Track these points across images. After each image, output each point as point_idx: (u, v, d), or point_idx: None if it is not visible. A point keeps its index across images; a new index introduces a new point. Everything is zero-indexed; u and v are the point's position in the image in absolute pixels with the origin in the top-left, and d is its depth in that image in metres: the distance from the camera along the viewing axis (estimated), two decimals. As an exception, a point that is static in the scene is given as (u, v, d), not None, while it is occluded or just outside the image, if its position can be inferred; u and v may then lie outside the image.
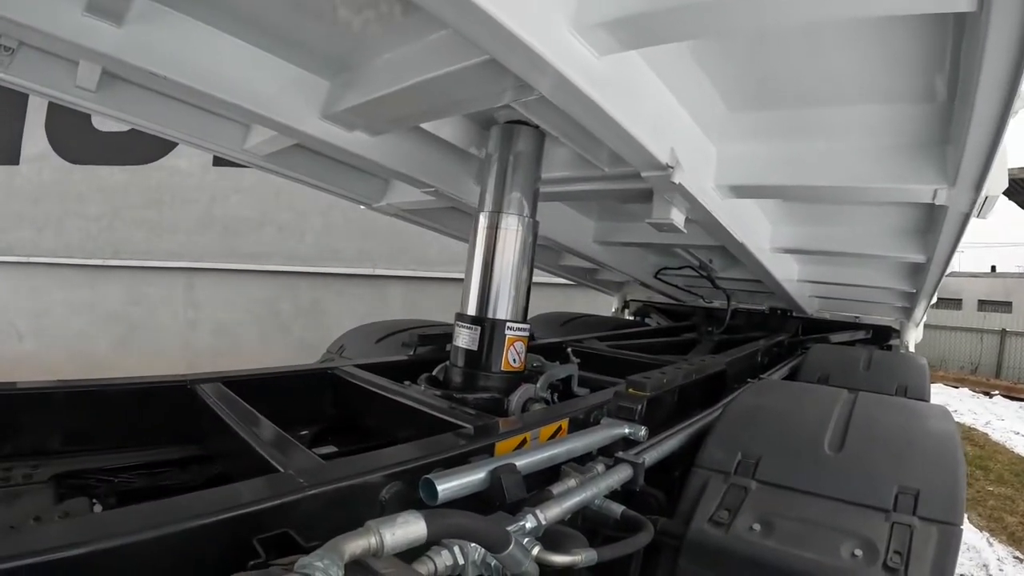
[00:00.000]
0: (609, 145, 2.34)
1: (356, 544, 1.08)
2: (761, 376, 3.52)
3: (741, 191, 2.98)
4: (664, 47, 2.06)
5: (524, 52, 1.63)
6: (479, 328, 2.82)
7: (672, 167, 2.41)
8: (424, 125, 3.02)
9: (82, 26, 2.04)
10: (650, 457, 2.16)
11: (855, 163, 2.62)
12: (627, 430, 2.24)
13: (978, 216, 2.67)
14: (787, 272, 4.46)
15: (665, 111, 2.42)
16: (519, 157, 2.95)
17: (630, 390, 2.44)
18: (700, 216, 3.02)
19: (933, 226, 3.10)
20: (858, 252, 3.76)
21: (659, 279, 5.65)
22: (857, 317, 5.54)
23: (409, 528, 1.14)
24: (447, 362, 2.96)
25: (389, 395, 2.57)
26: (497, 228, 2.91)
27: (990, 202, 2.56)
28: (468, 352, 2.83)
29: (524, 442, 2.02)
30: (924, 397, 3.70)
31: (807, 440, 2.26)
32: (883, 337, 5.47)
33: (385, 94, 2.35)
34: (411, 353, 3.45)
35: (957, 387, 17.95)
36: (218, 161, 10.46)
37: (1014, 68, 1.62)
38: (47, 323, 10.63)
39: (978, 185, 2.35)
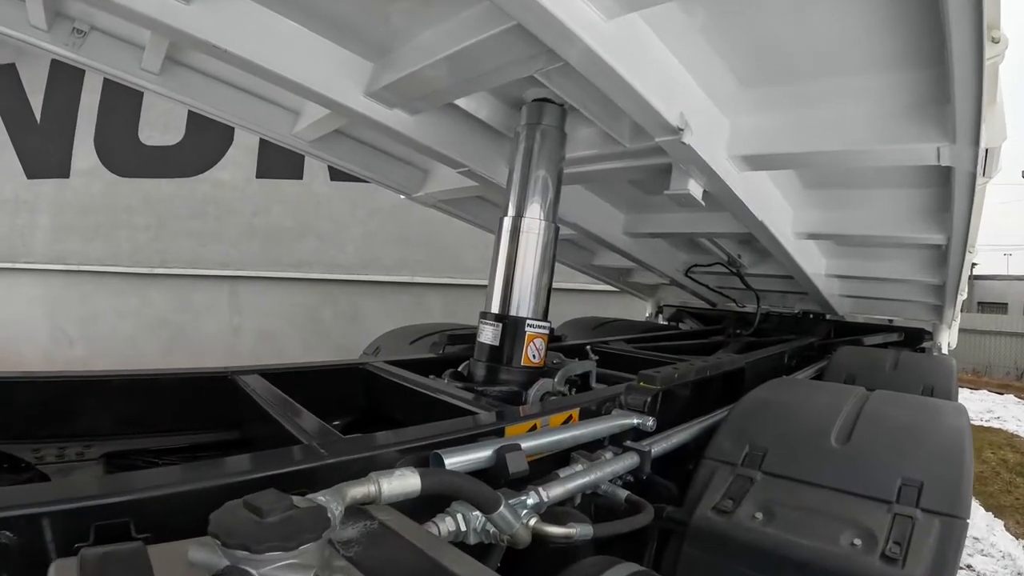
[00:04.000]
0: (623, 107, 2.45)
1: (357, 490, 1.21)
2: (787, 377, 3.56)
3: (754, 161, 3.05)
4: (673, 23, 2.31)
5: (539, 13, 1.82)
6: (501, 325, 2.95)
7: (682, 129, 2.51)
8: (459, 103, 3.21)
9: (160, 4, 2.30)
10: (658, 447, 2.26)
11: (861, 128, 2.70)
12: (636, 421, 2.33)
13: (984, 175, 2.73)
14: (814, 265, 4.48)
15: (673, 76, 2.55)
16: (545, 134, 3.13)
17: (641, 383, 2.54)
18: (716, 188, 3.11)
19: (948, 204, 3.15)
20: (879, 234, 3.78)
21: (690, 277, 5.69)
22: (891, 320, 5.49)
23: (405, 480, 1.27)
24: (472, 358, 3.09)
25: (414, 387, 2.70)
26: (519, 231, 3.07)
27: (993, 156, 2.62)
28: (491, 347, 2.96)
29: (534, 428, 2.11)
30: (950, 398, 3.71)
31: (814, 433, 2.32)
32: (916, 339, 5.44)
33: (418, 69, 2.58)
34: (440, 352, 3.58)
35: (1002, 393, 17.34)
36: (260, 173, 10.79)
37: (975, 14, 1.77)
38: (97, 329, 10.91)
39: (975, 138, 2.41)
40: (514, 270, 3.03)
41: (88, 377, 2.41)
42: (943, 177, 3.03)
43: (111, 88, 10.80)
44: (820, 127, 2.78)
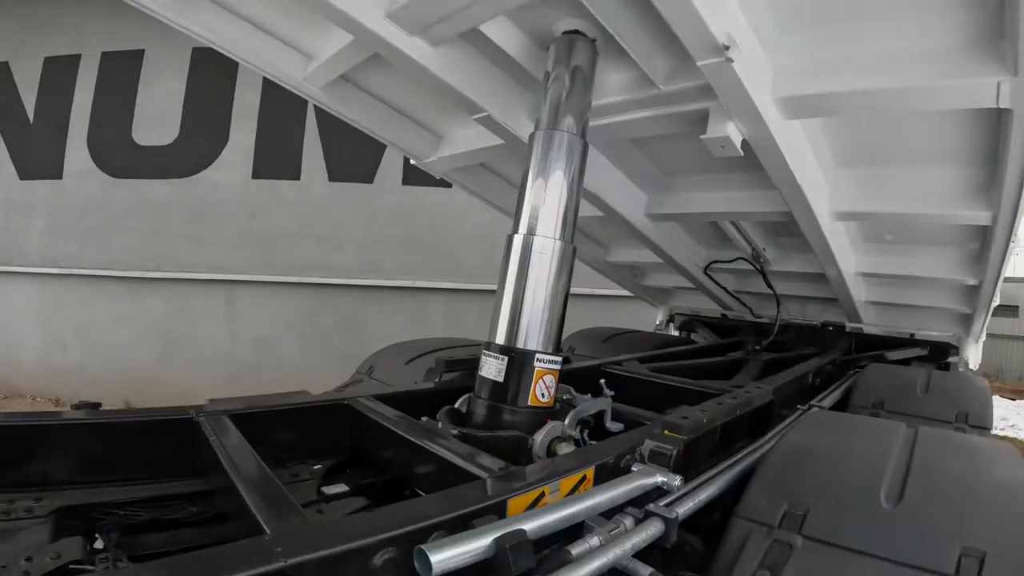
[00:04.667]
0: (667, 17, 2.30)
1: None
2: (813, 403, 3.27)
3: (801, 105, 2.79)
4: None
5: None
6: (507, 359, 2.63)
7: (729, 47, 2.31)
8: (483, 31, 2.94)
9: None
10: (685, 509, 1.95)
11: (916, 64, 2.48)
12: (660, 479, 2.02)
13: None
14: (846, 259, 4.21)
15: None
16: (575, 73, 2.86)
17: (666, 431, 2.22)
18: (757, 136, 2.88)
19: (994, 181, 2.99)
20: (919, 212, 3.51)
21: (708, 275, 5.37)
22: (912, 334, 5.19)
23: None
24: (472, 392, 2.78)
25: (403, 433, 2.39)
26: (531, 252, 2.73)
27: None
28: (494, 384, 2.64)
29: (542, 496, 1.82)
30: (987, 425, 3.43)
31: (862, 490, 2.02)
32: (941, 354, 5.10)
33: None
34: (436, 380, 3.28)
35: (1014, 399, 17.02)
36: (257, 173, 10.57)
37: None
38: (92, 335, 10.70)
39: None
40: (523, 296, 2.70)
41: (39, 422, 2.20)
42: (990, 152, 2.93)
43: (105, 86, 10.68)
44: (872, 64, 2.55)
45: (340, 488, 2.46)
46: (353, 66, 3.44)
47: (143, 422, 2.33)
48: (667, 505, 1.91)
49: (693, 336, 6.72)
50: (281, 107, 10.32)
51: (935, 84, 2.47)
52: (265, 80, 10.22)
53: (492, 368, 2.65)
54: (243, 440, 2.16)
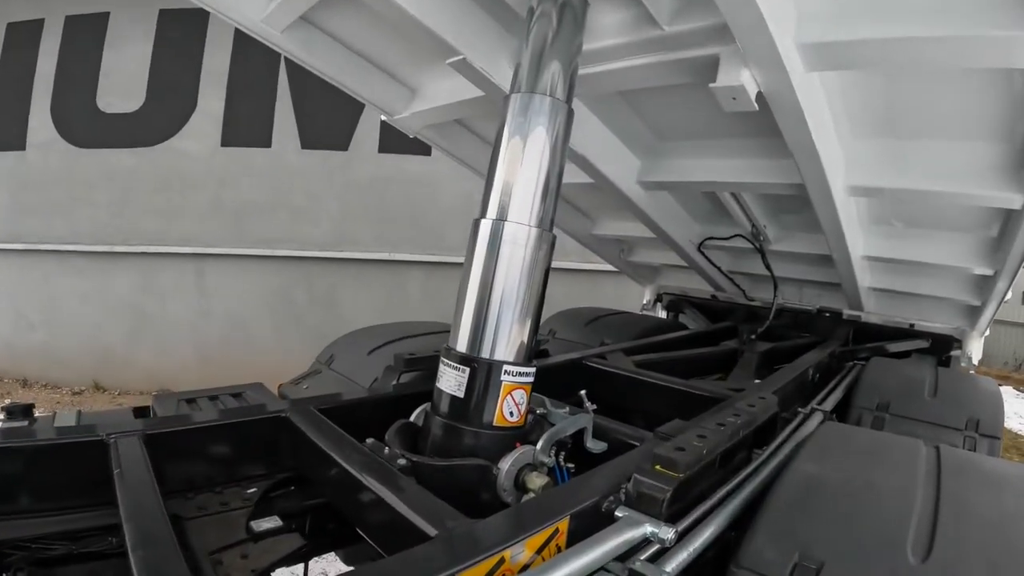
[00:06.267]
0: None
1: None
2: (814, 407, 2.91)
3: (826, 53, 2.42)
4: None
5: None
6: (468, 370, 2.18)
7: None
8: None
9: None
10: (678, 563, 1.59)
11: (954, 13, 2.13)
12: (649, 530, 1.64)
13: None
14: (854, 239, 3.89)
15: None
16: (563, 9, 2.39)
17: (657, 467, 1.80)
18: (776, 88, 2.52)
19: None
20: (943, 190, 3.19)
21: (702, 252, 5.03)
22: (912, 325, 4.89)
23: None
24: (429, 407, 2.36)
25: (342, 462, 1.99)
26: (501, 241, 2.25)
27: None
28: (452, 400, 2.20)
29: (502, 563, 1.45)
30: (997, 434, 3.15)
31: (885, 540, 1.66)
32: (944, 348, 4.84)
33: None
34: (395, 381, 2.90)
35: (1001, 385, 16.76)
36: (226, 141, 10.11)
37: None
38: (58, 313, 10.32)
39: None
40: (490, 295, 2.24)
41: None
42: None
43: (68, 52, 10.14)
44: (906, 11, 2.20)
45: (271, 523, 2.10)
46: (315, 3, 3.10)
47: (51, 446, 2.00)
48: (656, 562, 1.55)
49: (681, 318, 6.39)
50: (252, 70, 9.92)
51: (977, 34, 2.11)
52: (235, 42, 9.96)
53: (451, 380, 2.21)
54: (148, 469, 1.84)
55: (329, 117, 9.95)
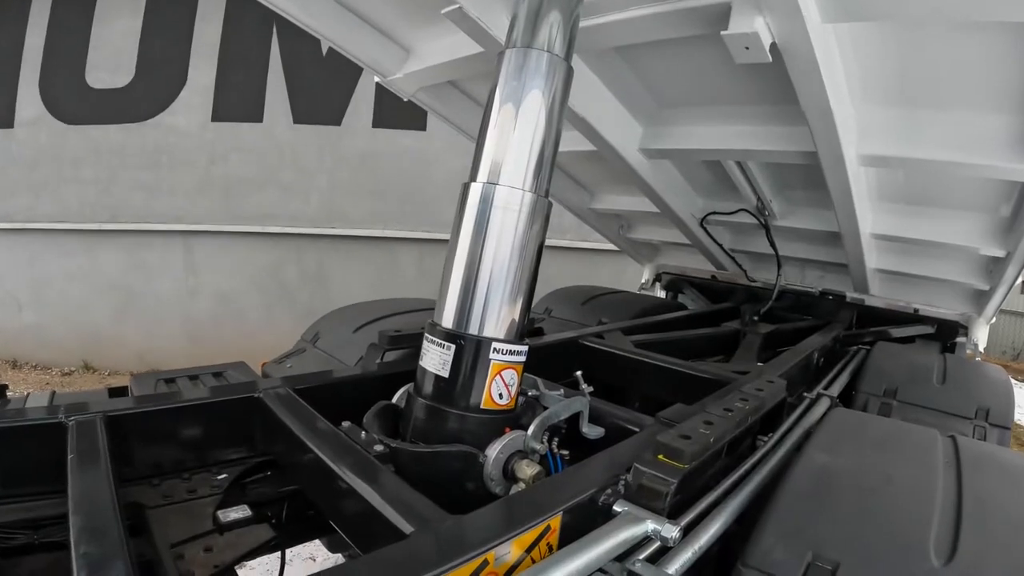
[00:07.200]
0: None
1: None
2: (820, 391, 2.77)
3: (842, 2, 2.27)
4: None
5: None
6: (454, 348, 2.01)
7: None
8: None
9: None
10: (681, 564, 1.43)
11: None
12: (651, 527, 1.47)
13: None
14: (864, 214, 3.75)
15: None
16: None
17: (660, 456, 1.64)
18: (791, 39, 2.35)
19: None
20: (959, 160, 3.02)
21: (704, 227, 4.90)
22: (916, 310, 4.77)
23: None
24: (411, 388, 2.18)
25: (314, 448, 1.82)
26: (491, 206, 2.05)
27: None
28: (437, 380, 2.02)
29: (485, 565, 1.29)
30: (1008, 424, 3.07)
31: (906, 541, 1.51)
32: (949, 334, 4.74)
33: None
34: (379, 359, 2.72)
35: None
36: (217, 116, 9.92)
37: None
38: (47, 293, 10.18)
39: None
40: (479, 264, 2.04)
41: None
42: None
43: (57, 26, 9.90)
44: None
45: (240, 513, 1.91)
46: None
47: (7, 428, 1.84)
48: (658, 563, 1.39)
49: (680, 298, 6.26)
50: (243, 43, 9.73)
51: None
52: (227, 14, 9.75)
53: (435, 358, 2.03)
54: (104, 453, 1.69)
55: (322, 91, 9.79)
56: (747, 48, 2.34)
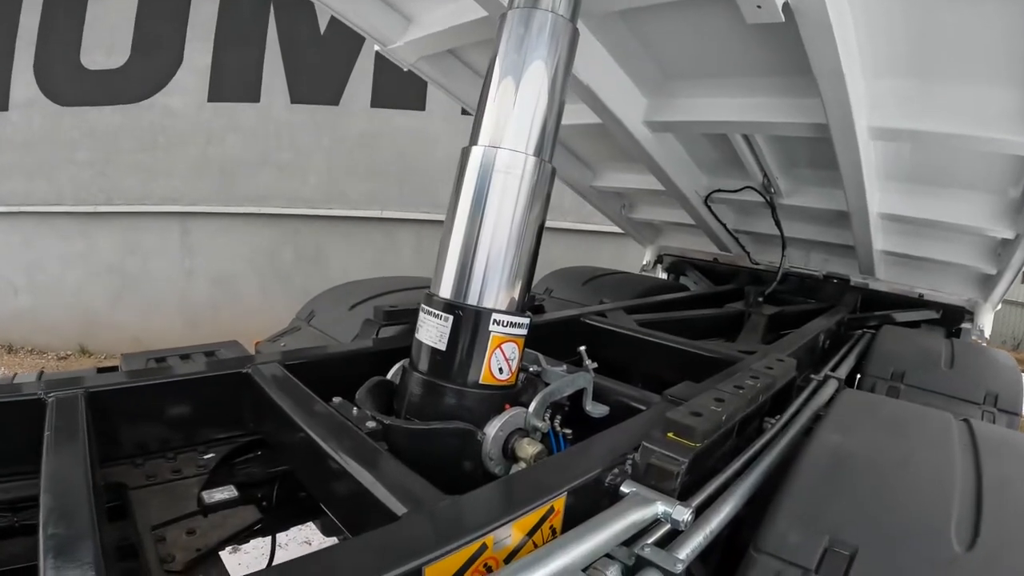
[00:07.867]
0: None
1: None
2: (828, 373, 2.69)
3: None
4: None
5: None
6: (451, 319, 1.92)
7: None
8: None
9: None
10: (692, 549, 1.34)
11: None
12: (661, 510, 1.39)
13: None
14: (872, 190, 3.66)
15: None
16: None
17: (670, 434, 1.55)
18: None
19: None
20: (967, 133, 2.94)
21: (708, 206, 4.81)
22: (921, 295, 4.73)
23: None
24: (407, 363, 2.10)
25: (303, 425, 1.73)
26: (493, 170, 1.96)
27: None
28: (433, 353, 1.94)
29: (484, 550, 1.20)
30: (1017, 410, 3.03)
31: (926, 528, 1.44)
32: (954, 319, 4.70)
33: None
34: (374, 335, 2.65)
35: None
36: (213, 96, 9.83)
37: None
38: (42, 276, 10.12)
39: None
40: (479, 232, 1.95)
41: None
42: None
43: (52, 6, 9.78)
44: None
45: (226, 494, 1.86)
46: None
47: None
48: (667, 547, 1.30)
49: (683, 280, 6.19)
50: (240, 22, 9.63)
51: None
52: None
53: (432, 331, 1.94)
54: (83, 431, 1.62)
55: (320, 71, 9.72)
56: (759, 7, 2.24)
